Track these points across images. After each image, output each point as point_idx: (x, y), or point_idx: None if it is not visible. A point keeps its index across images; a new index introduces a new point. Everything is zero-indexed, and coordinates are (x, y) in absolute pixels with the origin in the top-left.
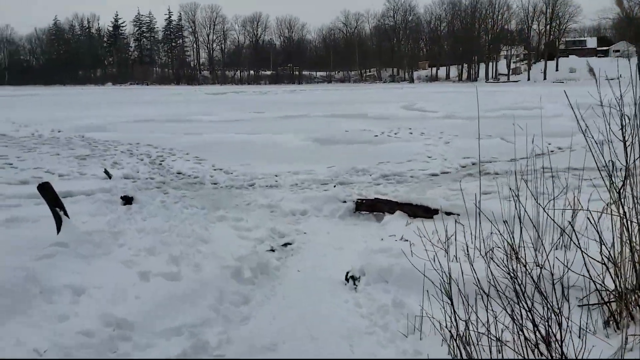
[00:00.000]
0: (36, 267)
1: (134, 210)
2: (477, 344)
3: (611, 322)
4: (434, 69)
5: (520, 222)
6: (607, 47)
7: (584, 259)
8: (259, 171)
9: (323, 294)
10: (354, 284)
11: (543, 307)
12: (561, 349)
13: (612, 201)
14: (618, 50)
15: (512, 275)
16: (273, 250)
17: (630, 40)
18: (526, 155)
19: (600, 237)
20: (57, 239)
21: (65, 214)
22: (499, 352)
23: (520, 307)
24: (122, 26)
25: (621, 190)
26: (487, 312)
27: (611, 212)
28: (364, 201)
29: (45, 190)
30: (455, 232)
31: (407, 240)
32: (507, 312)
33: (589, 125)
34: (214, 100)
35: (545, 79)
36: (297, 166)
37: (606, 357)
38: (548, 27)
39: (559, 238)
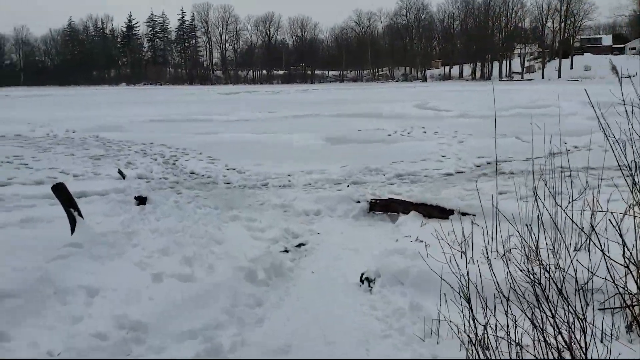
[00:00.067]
0: (50, 268)
1: (147, 211)
2: (496, 348)
3: (634, 327)
4: (447, 68)
5: (539, 223)
6: (623, 45)
7: (605, 262)
8: (272, 171)
9: (337, 296)
10: (369, 285)
11: (564, 311)
12: (585, 356)
13: (635, 202)
14: (634, 48)
15: (532, 278)
16: (287, 251)
17: None
18: (542, 155)
19: (622, 239)
20: (71, 240)
21: (80, 214)
22: (519, 357)
23: (540, 311)
24: (136, 27)
25: None
26: (506, 316)
27: (634, 213)
28: (378, 201)
29: (60, 191)
30: (472, 233)
31: (422, 241)
32: (527, 316)
33: (609, 124)
34: (227, 100)
35: (559, 77)
36: (310, 166)
37: None
38: (562, 24)
39: (581, 240)
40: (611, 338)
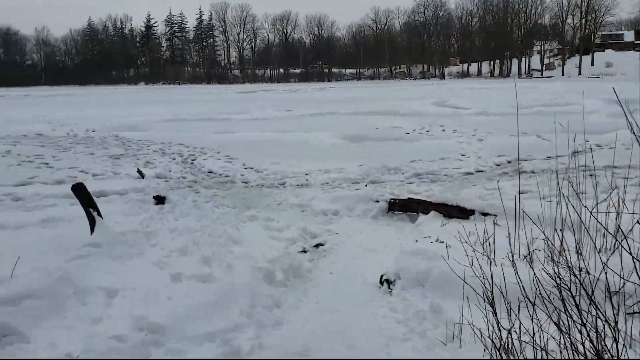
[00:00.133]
0: (70, 268)
1: (166, 210)
2: (520, 353)
3: None
4: (465, 65)
5: (563, 224)
6: None
7: (634, 264)
8: (289, 170)
9: (357, 298)
10: (389, 287)
11: (590, 316)
12: None
13: None
14: None
15: (558, 281)
16: (305, 252)
17: None
18: (564, 153)
19: None
20: (90, 240)
21: (99, 214)
22: None
23: (567, 315)
24: (154, 26)
25: None
26: (532, 321)
27: None
28: (397, 201)
29: (79, 190)
30: (494, 234)
31: (442, 242)
32: (552, 320)
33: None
34: (244, 98)
35: (580, 74)
36: (328, 164)
37: None
38: (583, 20)
39: (606, 242)
40: None
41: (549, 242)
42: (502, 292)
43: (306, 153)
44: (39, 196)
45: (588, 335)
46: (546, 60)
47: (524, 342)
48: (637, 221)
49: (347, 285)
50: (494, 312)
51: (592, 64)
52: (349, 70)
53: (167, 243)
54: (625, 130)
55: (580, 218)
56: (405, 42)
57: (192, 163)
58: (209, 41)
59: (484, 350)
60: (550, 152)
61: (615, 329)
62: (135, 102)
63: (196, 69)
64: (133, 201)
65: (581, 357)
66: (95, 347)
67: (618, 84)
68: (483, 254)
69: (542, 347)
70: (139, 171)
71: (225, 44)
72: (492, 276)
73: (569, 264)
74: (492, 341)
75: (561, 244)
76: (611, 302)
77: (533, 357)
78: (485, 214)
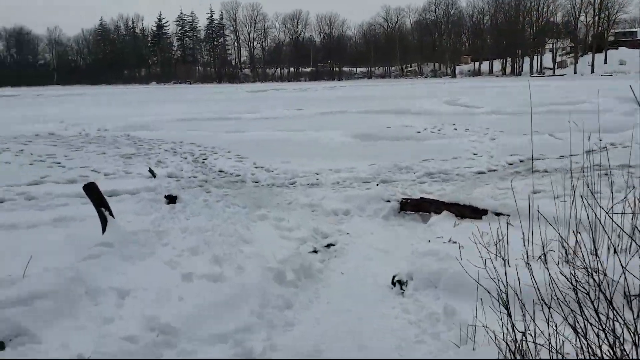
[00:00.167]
0: (82, 268)
1: (177, 209)
2: (536, 356)
3: None
4: (477, 64)
5: (577, 225)
6: None
7: None
8: (299, 169)
9: (368, 299)
10: (401, 288)
11: (609, 319)
12: None
13: None
14: None
15: (574, 284)
16: (316, 252)
17: None
18: (576, 152)
19: None
20: (102, 239)
21: (111, 213)
22: None
23: (584, 318)
24: (166, 26)
25: None
26: (547, 324)
27: None
28: (409, 201)
29: (91, 190)
30: (507, 234)
31: (455, 242)
32: (568, 323)
33: None
34: (255, 98)
35: (592, 72)
36: (338, 164)
37: None
38: (596, 18)
39: (622, 243)
40: None
41: (565, 243)
42: (517, 294)
43: (316, 152)
44: (51, 195)
45: (606, 338)
46: (558, 59)
47: (539, 344)
48: None
49: (358, 286)
50: (509, 315)
51: (605, 62)
52: (359, 69)
53: (178, 242)
54: None
55: (598, 219)
56: (416, 40)
57: (203, 162)
58: (220, 40)
59: (499, 352)
60: (562, 151)
61: (636, 332)
62: (146, 102)
63: (207, 68)
64: (144, 200)
65: None
66: (107, 348)
67: (632, 82)
68: (497, 255)
69: (557, 349)
70: (150, 170)
71: (235, 43)
72: (506, 278)
73: (587, 266)
74: (507, 344)
75: (576, 245)
76: (630, 305)
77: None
78: (498, 214)
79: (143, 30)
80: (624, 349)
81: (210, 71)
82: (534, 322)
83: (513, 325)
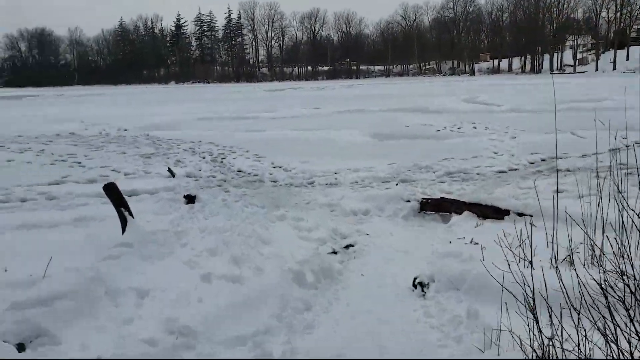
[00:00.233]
0: (102, 268)
1: (196, 209)
2: None
3: None
4: (496, 61)
5: (604, 225)
6: None
7: None
8: (318, 168)
9: (389, 301)
10: (422, 290)
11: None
12: None
13: None
14: None
15: (604, 287)
16: (335, 253)
17: None
18: (600, 151)
19: None
20: (122, 239)
21: (130, 214)
22: None
23: (614, 324)
24: (184, 26)
25: None
26: (577, 330)
27: None
28: (429, 201)
29: (111, 190)
30: (531, 235)
31: (477, 244)
32: (598, 329)
33: None
34: (273, 97)
35: (614, 69)
36: (357, 163)
37: None
38: (618, 14)
39: None
40: None
41: (593, 245)
42: (544, 298)
43: (335, 151)
44: (71, 195)
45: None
46: (579, 55)
47: (567, 350)
48: None
49: (378, 288)
50: (536, 319)
51: (628, 59)
52: (377, 67)
53: (197, 242)
54: None
55: (632, 221)
56: (435, 38)
57: (221, 162)
58: (238, 40)
59: (524, 358)
60: (585, 149)
61: None
62: (165, 101)
63: (225, 67)
64: (164, 200)
65: None
66: (126, 350)
67: None
68: (521, 257)
69: (586, 355)
70: (169, 170)
71: (253, 43)
72: (532, 281)
73: (620, 270)
74: (533, 349)
75: (602, 246)
76: None
77: None
78: (520, 214)
79: (162, 30)
80: None
81: (228, 70)
82: (562, 326)
83: (540, 330)
